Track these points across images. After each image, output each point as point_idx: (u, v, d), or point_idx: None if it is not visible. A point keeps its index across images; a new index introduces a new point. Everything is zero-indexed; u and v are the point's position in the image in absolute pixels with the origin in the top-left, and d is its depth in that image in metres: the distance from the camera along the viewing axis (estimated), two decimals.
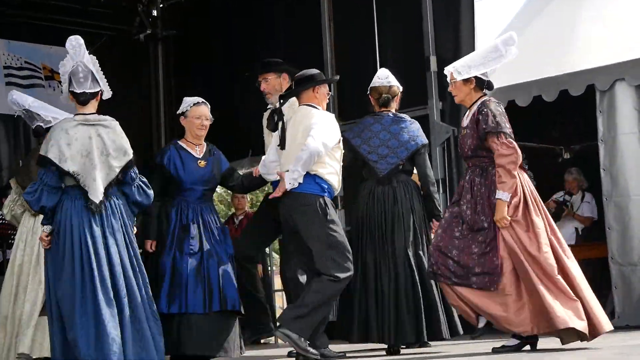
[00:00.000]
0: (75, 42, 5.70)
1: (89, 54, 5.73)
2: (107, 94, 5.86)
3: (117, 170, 5.61)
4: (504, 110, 5.88)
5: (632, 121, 8.07)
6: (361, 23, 9.77)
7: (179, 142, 6.45)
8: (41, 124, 7.04)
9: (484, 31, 9.20)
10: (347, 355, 6.33)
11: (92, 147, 5.57)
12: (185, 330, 6.06)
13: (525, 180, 5.79)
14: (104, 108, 7.25)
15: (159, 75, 11.90)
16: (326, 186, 5.96)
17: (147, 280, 5.59)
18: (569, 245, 9.32)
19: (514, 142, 5.80)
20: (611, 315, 8.55)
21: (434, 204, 6.57)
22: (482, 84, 5.89)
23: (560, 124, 10.76)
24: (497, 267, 5.60)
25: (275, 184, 6.27)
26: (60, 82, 10.82)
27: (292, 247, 6.24)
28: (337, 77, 6.47)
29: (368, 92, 6.76)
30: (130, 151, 5.72)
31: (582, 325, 5.54)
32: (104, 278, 5.41)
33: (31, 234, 6.94)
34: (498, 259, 5.61)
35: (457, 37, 9.03)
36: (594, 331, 5.63)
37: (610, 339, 6.20)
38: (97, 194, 5.53)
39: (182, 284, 6.07)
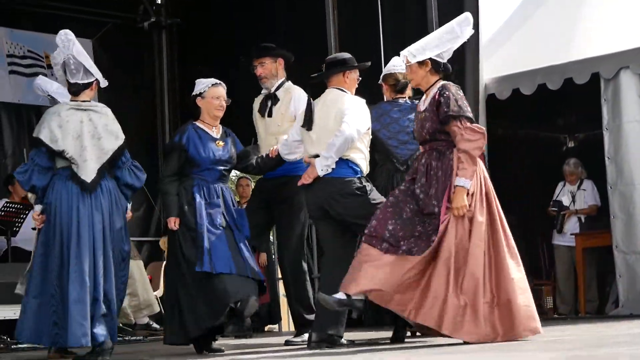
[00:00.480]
0: (65, 37, 5.92)
1: (95, 40, 5.74)
2: (103, 82, 6.01)
3: (109, 153, 5.81)
4: (463, 94, 5.68)
5: (636, 109, 8.06)
6: (365, 12, 9.74)
7: (195, 122, 6.37)
8: None
9: (488, 20, 9.17)
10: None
11: (83, 131, 5.78)
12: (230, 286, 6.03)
13: (481, 169, 5.54)
14: (109, 95, 7.27)
15: (163, 63, 11.86)
16: (358, 170, 5.96)
17: (126, 264, 5.94)
18: (572, 235, 9.43)
19: (483, 128, 5.55)
20: (615, 304, 8.56)
21: None
22: (438, 67, 5.63)
23: (564, 112, 10.74)
24: (430, 246, 5.34)
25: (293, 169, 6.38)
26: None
27: (329, 233, 6.03)
28: (369, 64, 6.36)
29: (381, 80, 6.69)
30: (122, 135, 5.91)
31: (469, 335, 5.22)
32: (82, 261, 5.62)
33: None
34: (435, 242, 5.34)
35: None
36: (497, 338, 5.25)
37: (615, 327, 6.20)
38: (88, 174, 5.73)
39: (221, 248, 6.06)
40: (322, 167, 5.85)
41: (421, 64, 5.62)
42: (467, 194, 5.37)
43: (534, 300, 5.63)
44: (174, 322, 6.08)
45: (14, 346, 8.20)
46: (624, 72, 8.12)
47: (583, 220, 9.63)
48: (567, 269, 9.61)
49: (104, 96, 11.32)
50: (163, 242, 9.68)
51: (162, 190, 6.24)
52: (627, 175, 8.04)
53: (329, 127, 5.93)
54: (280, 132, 6.62)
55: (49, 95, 6.98)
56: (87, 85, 5.92)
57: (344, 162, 5.88)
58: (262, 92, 6.91)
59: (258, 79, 6.87)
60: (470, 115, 5.50)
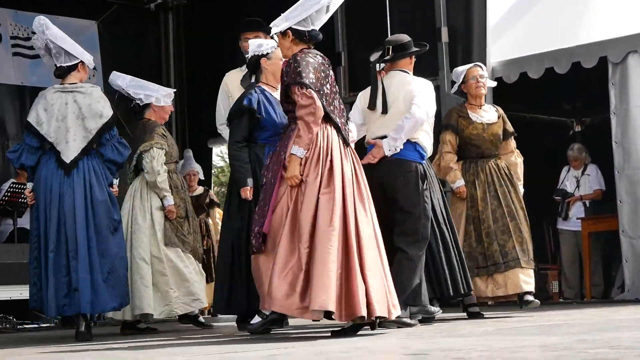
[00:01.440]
0: (38, 23, 6.12)
1: (99, 22, 5.78)
2: (90, 62, 6.23)
3: (93, 132, 6.08)
4: (320, 61, 5.19)
5: None
6: None
7: (260, 85, 6.19)
8: (137, 102, 7.23)
9: (496, 3, 9.13)
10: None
11: (67, 112, 6.09)
12: None
13: (330, 139, 5.13)
14: None
15: (169, 45, 11.84)
16: (424, 153, 5.97)
17: (119, 232, 6.17)
18: (578, 219, 9.41)
19: (313, 93, 5.06)
20: (621, 288, 8.55)
21: None
22: (301, 36, 5.25)
23: (572, 96, 10.71)
24: (261, 227, 5.09)
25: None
26: None
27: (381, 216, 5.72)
28: (427, 47, 6.32)
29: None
30: (108, 113, 6.12)
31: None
32: (60, 237, 6.00)
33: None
34: (267, 218, 5.08)
35: (469, 8, 8.97)
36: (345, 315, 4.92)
37: (620, 312, 6.19)
38: (68, 155, 6.06)
39: None
40: (390, 147, 5.83)
41: (284, 34, 5.28)
42: (301, 163, 5.05)
43: (540, 284, 5.64)
44: (223, 294, 6.08)
45: (20, 326, 8.23)
46: (632, 56, 8.09)
47: (588, 204, 9.61)
48: (572, 253, 9.61)
49: (108, 79, 11.28)
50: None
51: (234, 157, 6.10)
52: (634, 159, 8.01)
53: (398, 109, 5.89)
54: None
55: (125, 91, 7.14)
56: (71, 68, 6.18)
57: (411, 145, 5.88)
58: (242, 67, 6.67)
59: (244, 53, 6.58)
60: (307, 81, 5.06)
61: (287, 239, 5.01)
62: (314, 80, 5.12)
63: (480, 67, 6.99)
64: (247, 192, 6.00)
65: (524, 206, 6.83)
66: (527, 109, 10.40)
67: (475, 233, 6.69)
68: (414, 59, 6.16)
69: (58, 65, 6.13)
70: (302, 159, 5.07)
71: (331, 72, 5.31)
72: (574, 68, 8.34)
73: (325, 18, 5.35)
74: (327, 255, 4.89)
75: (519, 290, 6.60)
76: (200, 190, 10.55)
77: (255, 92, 6.11)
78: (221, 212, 11.19)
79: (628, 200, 8.04)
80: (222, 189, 23.34)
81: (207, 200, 10.58)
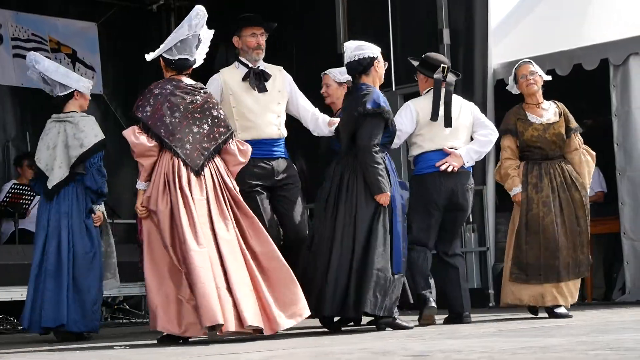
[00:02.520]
0: (29, 59, 6.42)
1: (99, 24, 5.83)
2: (85, 89, 6.46)
3: (73, 160, 6.35)
4: (170, 91, 5.39)
5: None
6: None
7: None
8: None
9: (498, 5, 9.14)
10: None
11: (57, 141, 6.42)
12: None
13: (169, 165, 5.30)
14: (119, 79, 7.26)
15: None
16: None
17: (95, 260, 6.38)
18: None
19: (135, 130, 5.33)
20: (622, 290, 8.54)
21: None
22: (168, 64, 5.54)
23: (573, 98, 10.68)
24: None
25: None
26: (66, 54, 10.89)
27: (435, 224, 6.31)
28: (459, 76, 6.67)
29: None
30: (88, 142, 6.35)
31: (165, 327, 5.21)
32: (49, 258, 6.33)
33: None
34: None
35: (471, 10, 8.97)
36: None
37: (621, 314, 6.19)
38: (52, 181, 6.38)
39: None
40: (472, 159, 6.37)
41: (160, 61, 5.60)
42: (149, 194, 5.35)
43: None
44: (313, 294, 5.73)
45: (21, 327, 8.23)
46: (633, 58, 8.09)
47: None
48: None
49: (107, 82, 11.34)
50: None
51: (373, 161, 5.75)
52: (635, 161, 8.01)
53: (462, 123, 6.37)
54: (280, 110, 6.29)
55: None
56: (67, 97, 6.46)
57: None
58: (236, 65, 6.37)
59: (252, 49, 6.34)
60: (139, 116, 5.36)
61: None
62: (149, 113, 5.32)
63: (530, 63, 6.62)
64: (387, 198, 5.78)
65: (587, 213, 6.49)
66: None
67: (531, 240, 6.38)
68: None
69: (54, 96, 6.38)
70: (144, 190, 5.40)
71: (196, 99, 5.45)
72: (575, 70, 8.34)
73: (201, 48, 5.69)
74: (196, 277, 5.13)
75: (557, 302, 6.32)
76: None
77: (378, 91, 6.00)
78: None
79: (629, 202, 8.04)
80: None
81: None
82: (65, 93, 6.43)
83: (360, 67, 6.00)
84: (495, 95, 8.83)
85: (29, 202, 9.03)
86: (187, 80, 5.53)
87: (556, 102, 6.61)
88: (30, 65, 6.40)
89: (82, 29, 10.97)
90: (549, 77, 6.68)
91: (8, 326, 8.11)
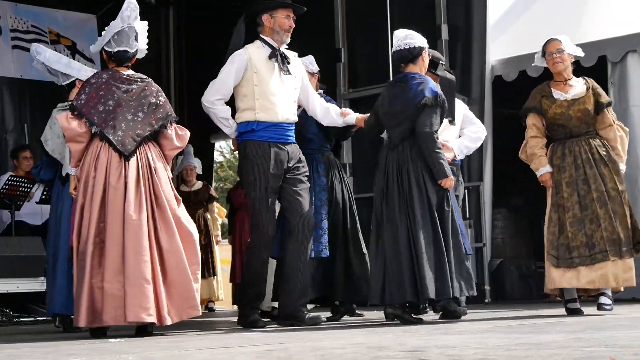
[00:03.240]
0: (32, 51, 6.43)
1: (99, 16, 5.89)
2: (83, 77, 6.31)
3: None
4: (105, 80, 5.61)
5: None
6: None
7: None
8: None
9: (496, 2, 9.14)
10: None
11: None
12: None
13: (96, 155, 5.50)
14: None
15: (169, 39, 11.84)
16: None
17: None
18: None
19: (67, 115, 5.57)
20: None
21: None
22: (109, 56, 5.74)
23: None
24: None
25: None
26: (65, 46, 10.88)
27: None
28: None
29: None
30: None
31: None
32: (55, 244, 6.51)
33: None
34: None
35: (469, 6, 8.97)
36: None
37: (616, 311, 6.19)
38: (66, 169, 6.45)
39: None
40: (461, 153, 6.52)
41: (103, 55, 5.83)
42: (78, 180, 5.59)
43: (538, 282, 5.62)
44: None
45: (17, 320, 8.23)
46: (631, 55, 8.10)
47: None
48: None
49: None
50: None
51: (436, 147, 5.86)
52: (632, 158, 8.00)
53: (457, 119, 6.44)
54: (296, 96, 6.27)
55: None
56: (70, 86, 6.50)
57: None
58: (258, 43, 6.20)
59: (284, 30, 6.18)
60: (74, 103, 5.60)
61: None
62: (83, 102, 5.54)
63: (558, 40, 6.34)
64: (452, 182, 5.96)
65: (621, 188, 6.12)
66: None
67: (559, 222, 6.15)
68: None
69: (59, 85, 6.40)
70: (75, 176, 5.60)
71: (132, 87, 5.62)
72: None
73: (140, 39, 5.87)
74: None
75: (605, 285, 6.08)
76: (199, 185, 10.55)
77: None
78: (219, 207, 11.22)
79: None
80: (221, 184, 23.34)
81: (206, 195, 10.57)
82: (68, 82, 6.47)
83: (410, 55, 6.05)
84: (493, 91, 8.83)
85: (26, 194, 9.03)
86: (126, 71, 5.72)
87: (585, 77, 6.41)
88: (33, 56, 6.41)
89: (82, 21, 10.97)
90: (580, 53, 6.48)
91: (4, 318, 8.11)
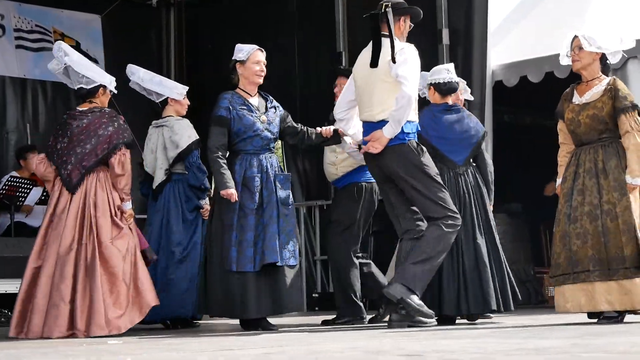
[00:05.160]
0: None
1: (103, 16, 5.98)
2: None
3: (171, 160, 6.87)
4: (63, 121, 6.33)
5: None
6: None
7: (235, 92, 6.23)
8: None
9: (497, 7, 9.14)
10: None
11: (158, 145, 6.92)
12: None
13: (55, 185, 6.21)
14: (121, 71, 7.29)
15: (170, 41, 11.85)
16: None
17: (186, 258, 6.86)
18: None
19: (40, 157, 6.38)
20: None
21: None
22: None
23: None
24: None
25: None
26: (70, 46, 10.87)
27: None
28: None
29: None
30: (183, 143, 6.84)
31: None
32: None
33: None
34: None
35: (470, 11, 8.97)
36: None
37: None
38: (155, 183, 6.92)
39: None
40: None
41: None
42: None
43: (536, 287, 5.60)
44: None
45: None
46: (631, 62, 8.10)
47: None
48: None
49: (114, 74, 11.22)
50: None
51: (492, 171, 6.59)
52: None
53: None
54: None
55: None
56: (163, 103, 6.96)
57: None
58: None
59: (404, 37, 6.07)
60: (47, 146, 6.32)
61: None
62: (50, 142, 6.28)
63: (578, 37, 5.85)
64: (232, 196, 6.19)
65: (622, 202, 5.55)
66: (526, 112, 10.43)
67: (565, 234, 5.68)
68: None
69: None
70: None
71: (82, 122, 6.13)
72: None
73: (86, 71, 6.24)
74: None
75: (593, 309, 5.63)
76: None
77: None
78: None
79: None
80: None
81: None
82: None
83: (456, 89, 6.49)
84: (494, 96, 8.84)
85: (25, 195, 9.03)
86: (82, 107, 6.25)
87: (615, 78, 5.91)
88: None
89: (86, 20, 10.97)
90: (608, 49, 5.88)
91: (3, 319, 8.10)
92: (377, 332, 5.52)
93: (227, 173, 5.97)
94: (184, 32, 11.78)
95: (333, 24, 9.92)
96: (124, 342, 5.23)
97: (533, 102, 10.07)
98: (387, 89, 5.82)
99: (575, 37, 5.88)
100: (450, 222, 5.86)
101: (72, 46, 10.93)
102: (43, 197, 9.04)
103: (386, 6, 5.86)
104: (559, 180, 5.89)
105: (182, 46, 11.78)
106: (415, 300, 5.67)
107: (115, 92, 6.38)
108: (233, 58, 6.25)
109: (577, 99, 5.82)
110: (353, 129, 6.27)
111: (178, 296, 6.78)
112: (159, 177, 6.91)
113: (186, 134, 6.85)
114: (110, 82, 6.38)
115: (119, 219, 6.10)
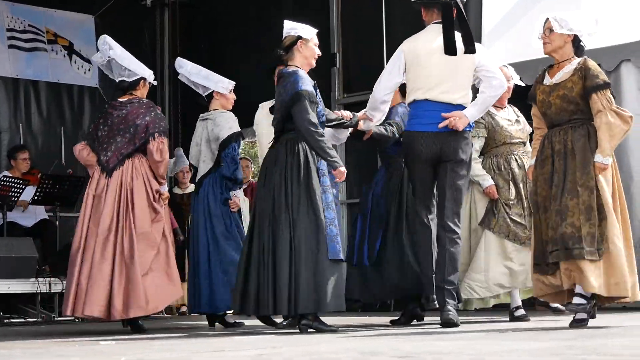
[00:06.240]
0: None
1: (97, 17, 6.03)
2: (224, 89, 6.97)
3: (215, 153, 6.92)
4: (104, 112, 6.70)
5: (637, 102, 8.06)
6: None
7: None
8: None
9: (491, 10, 9.15)
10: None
11: (202, 138, 6.97)
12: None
13: (94, 171, 6.59)
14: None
15: (164, 41, 11.85)
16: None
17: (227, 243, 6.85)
18: None
19: (82, 144, 6.70)
20: None
21: None
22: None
23: None
24: None
25: None
26: (63, 46, 10.87)
27: None
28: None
29: None
30: (223, 135, 6.83)
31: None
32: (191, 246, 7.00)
33: None
34: None
35: (465, 5, 8.96)
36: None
37: (607, 319, 6.21)
38: (197, 175, 7.01)
39: None
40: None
41: None
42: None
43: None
44: None
45: (7, 320, 8.22)
46: (625, 64, 8.12)
47: None
48: None
49: (103, 75, 11.25)
50: None
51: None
52: (625, 168, 8.02)
53: None
54: None
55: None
56: (209, 97, 6.96)
57: None
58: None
59: None
60: (86, 132, 6.72)
61: None
62: (90, 130, 6.73)
63: (550, 19, 5.71)
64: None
65: (585, 182, 5.34)
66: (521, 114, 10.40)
67: (538, 224, 5.53)
68: None
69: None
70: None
71: (122, 112, 6.50)
72: None
73: (128, 64, 6.54)
74: None
75: (534, 294, 5.71)
76: (191, 188, 10.53)
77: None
78: None
79: None
80: None
81: None
82: (207, 93, 6.92)
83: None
84: None
85: (18, 195, 9.01)
86: (122, 98, 6.61)
87: (586, 58, 5.75)
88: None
89: (79, 21, 10.96)
90: (580, 31, 5.78)
91: None
92: (371, 332, 5.52)
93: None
94: (178, 33, 11.79)
95: (328, 25, 9.92)
96: (117, 342, 5.22)
97: (526, 104, 10.05)
98: (467, 75, 6.00)
99: (547, 19, 5.72)
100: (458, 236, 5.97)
101: (64, 46, 10.98)
102: (36, 197, 9.02)
103: None
104: (532, 161, 5.76)
105: (176, 46, 11.78)
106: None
107: (155, 84, 6.78)
108: (291, 34, 5.89)
109: (547, 81, 5.68)
110: (380, 115, 6.23)
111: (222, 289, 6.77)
112: (202, 169, 7.00)
113: (227, 125, 6.90)
114: (150, 75, 6.72)
115: (156, 202, 6.50)
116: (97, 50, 6.74)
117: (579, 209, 5.32)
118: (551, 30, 5.69)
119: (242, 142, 7.10)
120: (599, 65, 8.13)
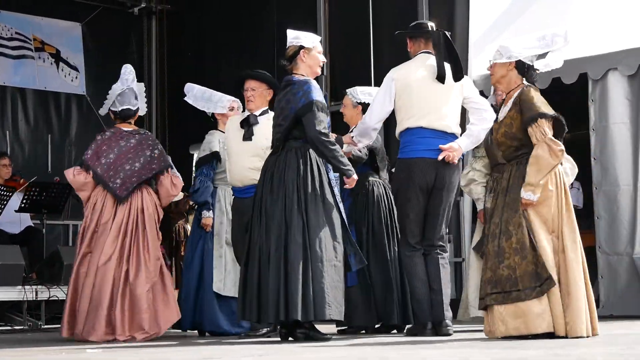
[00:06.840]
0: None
1: (84, 24, 5.99)
2: (222, 109, 6.99)
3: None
4: (107, 137, 6.57)
5: (623, 111, 8.08)
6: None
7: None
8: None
9: (478, 18, 9.18)
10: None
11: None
12: None
13: (98, 196, 6.51)
14: (102, 79, 7.28)
15: (152, 49, 11.84)
16: None
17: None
18: None
19: (76, 169, 6.58)
20: (596, 304, 8.58)
21: None
22: (115, 115, 6.58)
23: None
24: None
25: None
26: (50, 54, 10.86)
27: None
28: None
29: None
30: (198, 156, 7.02)
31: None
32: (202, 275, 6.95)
33: None
34: None
35: (451, 21, 9.01)
36: None
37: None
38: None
39: None
40: None
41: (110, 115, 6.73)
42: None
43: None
44: None
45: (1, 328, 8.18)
46: (612, 73, 8.14)
47: None
48: None
49: (90, 83, 11.27)
50: None
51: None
52: (612, 176, 8.06)
53: None
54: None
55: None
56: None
57: None
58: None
59: None
60: (83, 157, 6.55)
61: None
62: (89, 155, 6.54)
63: (496, 51, 5.54)
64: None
65: (514, 220, 5.21)
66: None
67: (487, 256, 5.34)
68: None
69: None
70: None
71: (130, 142, 6.52)
72: (554, 83, 8.38)
73: (140, 99, 6.64)
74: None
75: (495, 335, 5.23)
76: (179, 196, 10.52)
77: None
78: None
79: (605, 217, 8.08)
80: None
81: (187, 206, 10.54)
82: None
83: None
84: None
85: (5, 203, 8.97)
86: (127, 128, 6.63)
87: (528, 86, 5.52)
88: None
89: (66, 28, 10.94)
90: (524, 55, 5.57)
91: None
92: (358, 340, 5.51)
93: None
94: (165, 40, 11.78)
95: (315, 26, 9.93)
96: (103, 350, 5.20)
97: None
98: (457, 103, 6.03)
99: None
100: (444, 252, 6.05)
101: (51, 54, 10.97)
102: (23, 205, 8.98)
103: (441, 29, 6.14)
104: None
105: (162, 54, 11.77)
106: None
107: (143, 114, 6.86)
108: (294, 43, 5.89)
109: (500, 116, 5.52)
110: (367, 141, 6.29)
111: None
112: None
113: (203, 148, 6.98)
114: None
115: (158, 231, 6.62)
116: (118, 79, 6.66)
117: (513, 249, 5.15)
118: (491, 64, 5.55)
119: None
120: (586, 73, 8.21)
